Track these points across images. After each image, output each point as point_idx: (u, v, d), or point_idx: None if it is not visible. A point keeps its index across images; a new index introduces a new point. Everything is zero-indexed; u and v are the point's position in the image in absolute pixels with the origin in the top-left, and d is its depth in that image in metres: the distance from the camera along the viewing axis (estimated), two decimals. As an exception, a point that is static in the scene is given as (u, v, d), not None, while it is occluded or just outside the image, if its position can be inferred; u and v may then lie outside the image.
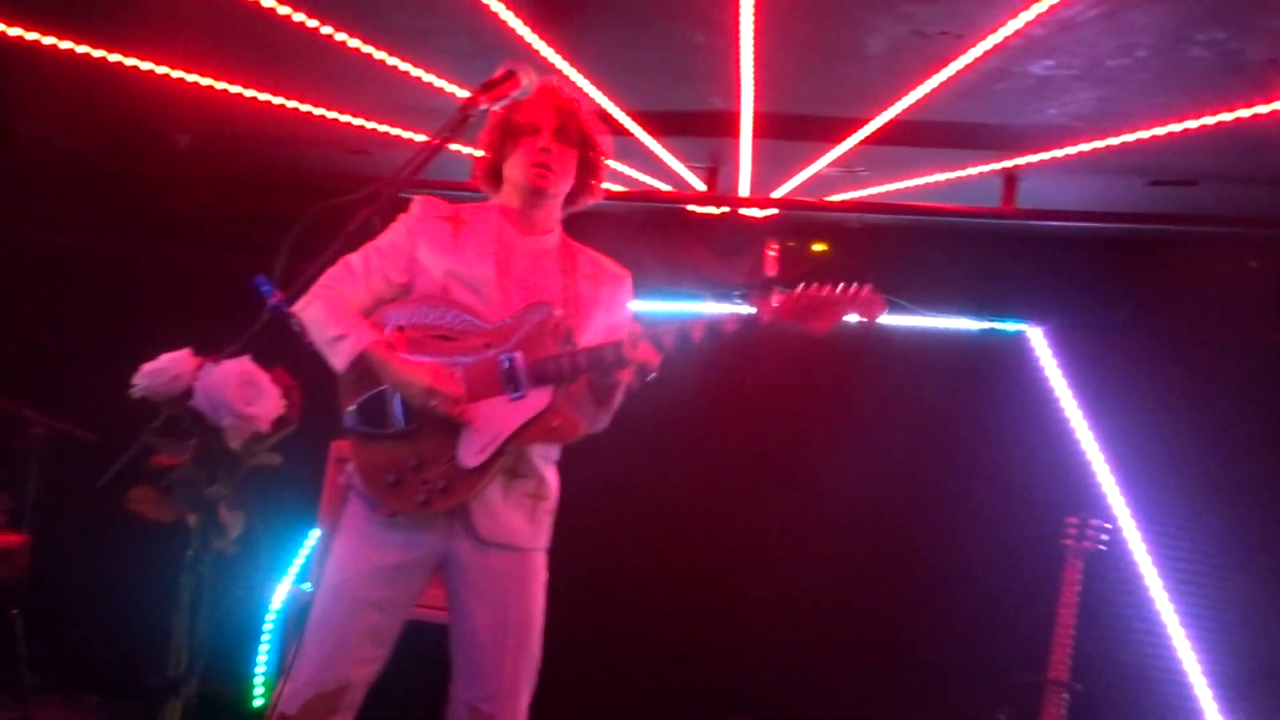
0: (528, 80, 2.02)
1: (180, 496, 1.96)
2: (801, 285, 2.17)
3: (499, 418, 2.16)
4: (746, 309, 2.19)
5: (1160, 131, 2.97)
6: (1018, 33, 2.52)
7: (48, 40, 3.12)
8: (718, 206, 3.88)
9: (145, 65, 3.24)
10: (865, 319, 2.16)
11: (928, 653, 3.94)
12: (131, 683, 4.07)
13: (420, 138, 3.65)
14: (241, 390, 1.85)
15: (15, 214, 4.51)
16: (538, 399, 2.17)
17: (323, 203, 2.10)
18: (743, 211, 3.92)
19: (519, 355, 2.17)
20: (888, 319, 4.09)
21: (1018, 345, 4.15)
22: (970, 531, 3.92)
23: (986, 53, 2.64)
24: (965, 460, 4.00)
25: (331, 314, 2.13)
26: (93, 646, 4.20)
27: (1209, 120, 2.84)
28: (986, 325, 4.18)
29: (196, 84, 3.33)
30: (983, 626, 3.87)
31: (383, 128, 3.58)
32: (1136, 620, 3.89)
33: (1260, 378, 3.79)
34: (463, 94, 3.13)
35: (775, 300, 2.17)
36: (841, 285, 2.15)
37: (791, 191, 3.82)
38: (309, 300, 2.16)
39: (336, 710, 2.15)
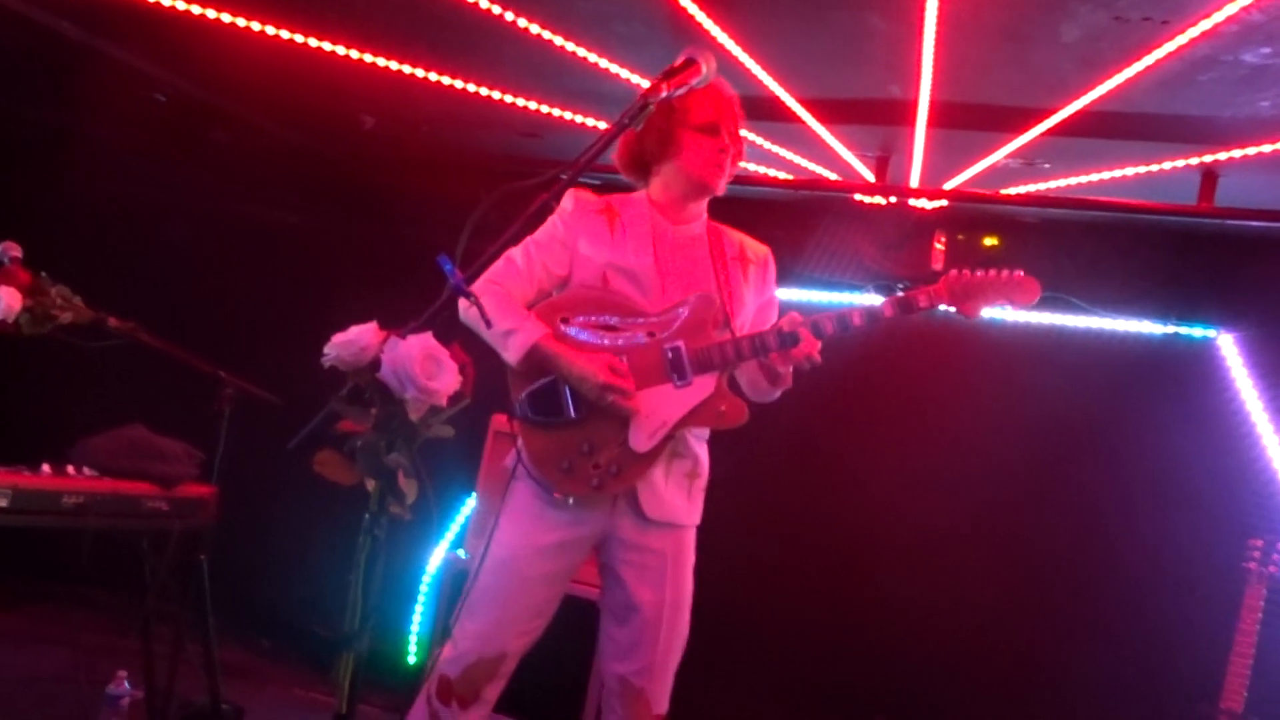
0: (708, 68, 2.02)
1: (362, 462, 2.06)
2: (958, 270, 2.23)
3: (666, 405, 2.22)
4: (919, 299, 2.23)
5: (1389, 127, 2.72)
6: (1232, 18, 2.34)
7: (255, 27, 3.31)
8: (886, 197, 3.78)
9: (337, 49, 3.40)
10: (1019, 305, 2.23)
11: (1090, 671, 3.76)
12: (300, 630, 4.36)
13: (591, 122, 3.70)
14: (425, 365, 1.92)
15: (219, 188, 4.84)
16: (703, 386, 2.24)
17: (505, 186, 2.16)
18: (911, 202, 3.81)
19: (682, 344, 2.24)
20: (1062, 318, 3.96)
21: (1205, 352, 3.89)
22: (1142, 548, 3.72)
23: (1194, 40, 2.47)
24: (1140, 471, 3.78)
25: (500, 308, 2.21)
26: (267, 594, 4.50)
27: None
28: (1171, 329, 3.93)
29: (383, 67, 3.48)
30: (1151, 649, 3.66)
31: (556, 112, 3.65)
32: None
33: None
34: (636, 79, 3.15)
35: (933, 286, 2.23)
36: (999, 270, 2.21)
37: (965, 183, 3.69)
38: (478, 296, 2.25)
39: (495, 677, 2.26)
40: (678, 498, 2.30)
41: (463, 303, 2.25)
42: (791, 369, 2.28)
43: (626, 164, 2.40)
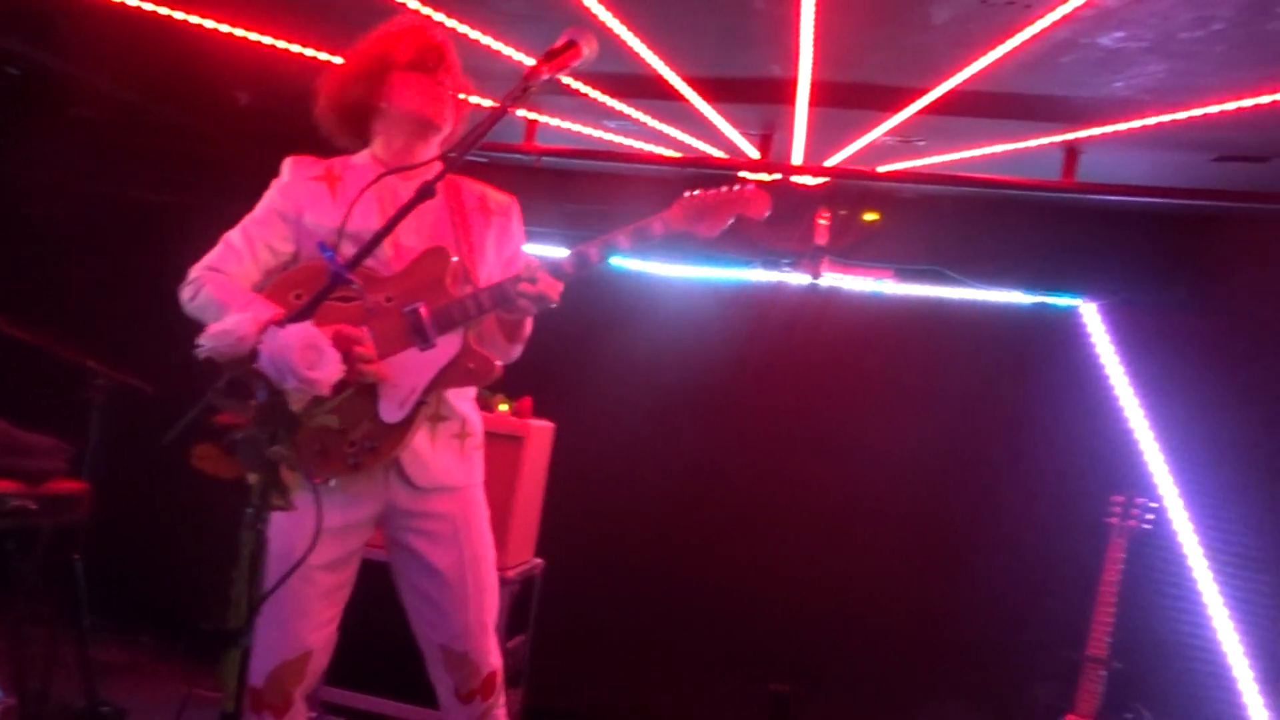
0: (589, 49, 2.00)
1: (242, 456, 1.99)
2: (690, 191, 2.18)
3: (413, 370, 2.16)
4: (654, 226, 2.17)
5: (1231, 106, 2.89)
6: (1089, 3, 2.45)
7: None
8: (770, 174, 3.84)
9: (207, 23, 3.26)
10: (753, 217, 2.18)
11: (967, 626, 3.95)
12: (183, 626, 4.23)
13: (475, 100, 3.63)
14: (305, 354, 1.86)
15: (84, 166, 4.59)
16: (449, 346, 2.18)
17: (388, 170, 2.12)
18: (795, 179, 3.88)
19: (421, 305, 2.15)
20: (938, 290, 4.11)
21: (1070, 320, 4.10)
22: (1014, 506, 3.91)
23: (1055, 24, 2.57)
24: (1012, 434, 3.97)
25: (224, 295, 2.11)
26: (146, 590, 4.34)
27: (1283, 97, 2.77)
28: (1039, 299, 4.13)
29: (254, 41, 3.35)
30: (1024, 601, 3.87)
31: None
32: (1178, 600, 3.87)
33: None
34: (520, 57, 3.12)
35: (667, 209, 2.17)
36: (726, 186, 2.17)
37: (845, 160, 3.78)
38: (196, 286, 2.16)
39: (303, 676, 2.18)
40: (448, 461, 2.24)
41: (185, 293, 2.19)
42: (528, 321, 2.24)
43: (337, 127, 2.29)
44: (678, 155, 3.86)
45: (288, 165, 2.25)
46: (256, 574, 2.12)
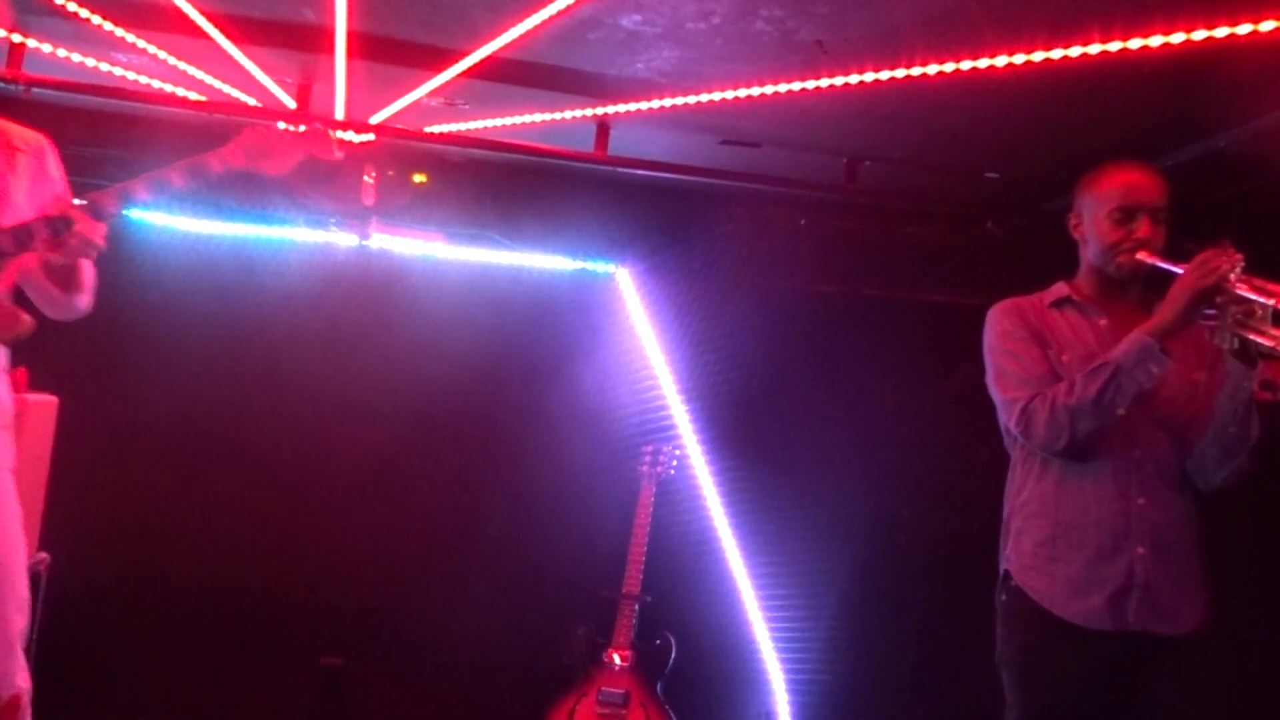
0: None
1: None
2: (250, 130, 2.22)
3: None
4: (210, 163, 2.14)
5: (729, 95, 3.24)
6: (610, -17, 2.61)
7: None
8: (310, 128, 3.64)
9: None
10: (320, 156, 2.27)
11: (519, 577, 4.13)
12: None
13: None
14: None
15: None
16: None
17: None
18: (338, 135, 3.72)
19: None
20: (485, 255, 4.20)
21: (607, 285, 4.41)
22: (561, 462, 4.13)
23: (581, 1, 2.70)
24: (558, 394, 4.18)
25: None
26: None
27: (769, 90, 3.15)
28: (579, 265, 4.38)
29: None
30: (570, 548, 4.12)
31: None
32: (697, 536, 4.36)
33: (812, 323, 4.36)
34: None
35: (225, 147, 2.17)
36: (291, 126, 2.26)
37: (391, 119, 3.69)
38: None
39: None
40: None
41: None
42: (85, 267, 2.07)
43: None
44: (203, 99, 3.52)
45: None
46: None
